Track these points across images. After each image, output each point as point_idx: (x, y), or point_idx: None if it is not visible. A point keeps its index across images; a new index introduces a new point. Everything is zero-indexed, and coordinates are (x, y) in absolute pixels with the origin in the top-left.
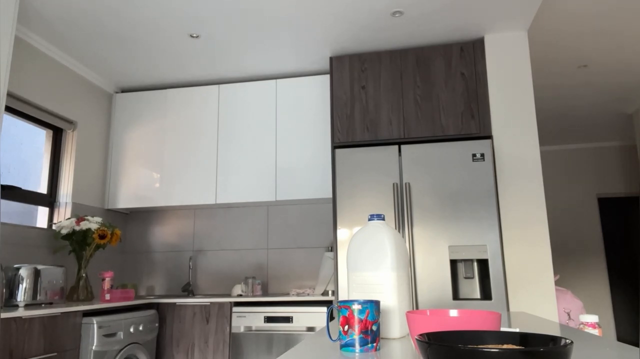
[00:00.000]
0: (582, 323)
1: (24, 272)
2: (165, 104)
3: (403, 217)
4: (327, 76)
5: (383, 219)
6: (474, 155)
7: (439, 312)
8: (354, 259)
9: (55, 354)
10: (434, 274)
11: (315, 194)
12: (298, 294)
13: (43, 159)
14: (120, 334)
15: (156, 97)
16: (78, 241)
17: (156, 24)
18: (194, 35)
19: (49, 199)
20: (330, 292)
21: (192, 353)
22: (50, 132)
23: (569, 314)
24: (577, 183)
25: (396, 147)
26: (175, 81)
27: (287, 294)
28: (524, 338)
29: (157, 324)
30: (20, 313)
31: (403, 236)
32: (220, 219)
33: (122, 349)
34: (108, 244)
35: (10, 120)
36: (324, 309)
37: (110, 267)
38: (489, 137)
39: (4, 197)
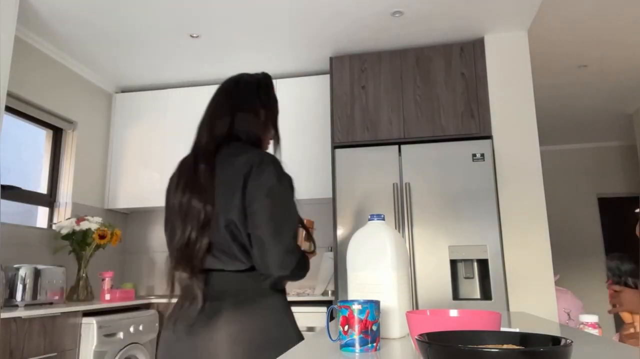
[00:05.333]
0: (582, 323)
1: (24, 272)
2: (165, 104)
3: (403, 217)
4: (327, 76)
5: (383, 219)
6: (474, 155)
7: (439, 312)
8: (353, 259)
9: (55, 354)
10: (434, 274)
11: (315, 194)
12: (298, 294)
13: (43, 159)
14: (120, 334)
15: (156, 97)
16: (78, 241)
17: (156, 24)
18: (194, 35)
19: (49, 199)
20: (330, 292)
21: None
22: (50, 132)
23: (569, 314)
24: (577, 183)
25: (396, 147)
26: (175, 81)
27: (287, 294)
28: (524, 338)
29: (157, 324)
30: (20, 313)
31: (403, 236)
32: None
33: (122, 349)
34: (108, 244)
35: (10, 120)
36: (324, 309)
37: (110, 267)
38: (489, 137)
39: (4, 197)
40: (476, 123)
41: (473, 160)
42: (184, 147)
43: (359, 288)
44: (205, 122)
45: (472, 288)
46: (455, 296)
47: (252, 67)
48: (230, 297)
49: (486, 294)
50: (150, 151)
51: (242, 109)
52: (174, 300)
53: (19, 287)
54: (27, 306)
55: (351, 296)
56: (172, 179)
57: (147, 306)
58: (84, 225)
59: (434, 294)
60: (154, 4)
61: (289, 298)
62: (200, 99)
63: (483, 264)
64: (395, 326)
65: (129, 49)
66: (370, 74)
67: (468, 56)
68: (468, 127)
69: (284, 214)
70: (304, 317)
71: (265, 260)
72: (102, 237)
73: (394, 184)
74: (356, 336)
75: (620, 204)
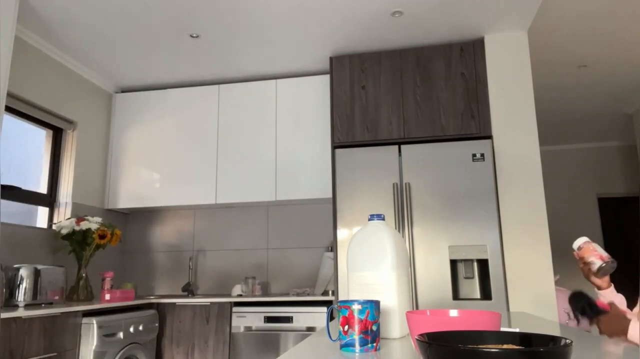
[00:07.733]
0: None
1: (24, 272)
2: (165, 104)
3: (403, 217)
4: (327, 76)
5: (383, 219)
6: (474, 155)
7: (439, 312)
8: (354, 259)
9: (55, 354)
10: (434, 274)
11: (315, 194)
12: (298, 294)
13: (43, 159)
14: (120, 334)
15: (156, 97)
16: (78, 241)
17: (156, 24)
18: (194, 35)
19: (49, 199)
20: (330, 292)
21: (192, 353)
22: (50, 132)
23: (569, 314)
24: (577, 183)
25: (396, 147)
26: (175, 81)
27: (287, 294)
28: (524, 338)
29: (157, 324)
30: (20, 313)
31: (403, 236)
32: (220, 219)
33: (122, 349)
34: (108, 244)
35: (10, 120)
36: (324, 309)
37: (110, 268)
38: (489, 137)
39: (4, 197)
40: (476, 123)
41: (473, 160)
42: (184, 147)
43: (359, 288)
44: None
45: (472, 288)
46: (455, 296)
47: (252, 66)
48: None
49: (486, 294)
50: (150, 151)
51: None
52: None
53: (19, 287)
54: (27, 306)
55: (351, 296)
56: None
57: (147, 306)
58: (84, 225)
59: (434, 294)
60: (154, 4)
61: (289, 298)
62: (200, 99)
63: (483, 264)
64: (395, 326)
65: (128, 49)
66: (370, 74)
67: (468, 56)
68: (468, 127)
69: None
70: (304, 317)
71: None
72: (102, 237)
73: (394, 184)
74: (356, 336)
75: (620, 204)
